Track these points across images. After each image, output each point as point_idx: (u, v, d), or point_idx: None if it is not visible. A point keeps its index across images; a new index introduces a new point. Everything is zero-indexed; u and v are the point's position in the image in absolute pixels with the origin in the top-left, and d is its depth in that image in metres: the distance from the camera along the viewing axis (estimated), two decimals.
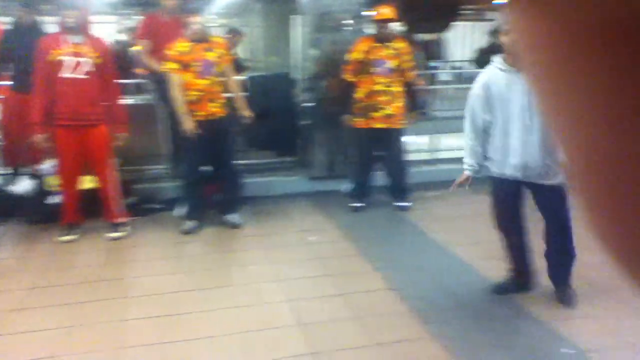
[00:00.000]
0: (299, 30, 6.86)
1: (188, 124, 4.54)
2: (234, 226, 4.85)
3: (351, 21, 5.62)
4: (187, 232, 4.72)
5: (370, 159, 5.25)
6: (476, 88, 3.33)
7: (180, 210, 4.97)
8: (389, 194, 5.38)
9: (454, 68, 10.81)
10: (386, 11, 5.05)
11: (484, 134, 3.33)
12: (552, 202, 3.27)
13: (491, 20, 10.33)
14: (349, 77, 5.13)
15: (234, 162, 5.02)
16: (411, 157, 6.44)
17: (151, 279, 3.90)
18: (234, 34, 7.06)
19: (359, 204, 5.26)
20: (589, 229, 0.25)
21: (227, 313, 3.38)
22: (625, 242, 0.23)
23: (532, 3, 0.22)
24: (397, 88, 5.08)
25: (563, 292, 3.42)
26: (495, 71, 3.25)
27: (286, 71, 6.70)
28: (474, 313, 3.35)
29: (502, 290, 3.55)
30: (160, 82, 5.33)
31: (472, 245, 4.42)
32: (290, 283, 3.76)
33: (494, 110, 3.26)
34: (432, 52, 8.57)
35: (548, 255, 3.41)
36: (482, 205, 5.41)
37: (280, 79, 6.11)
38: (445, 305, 3.44)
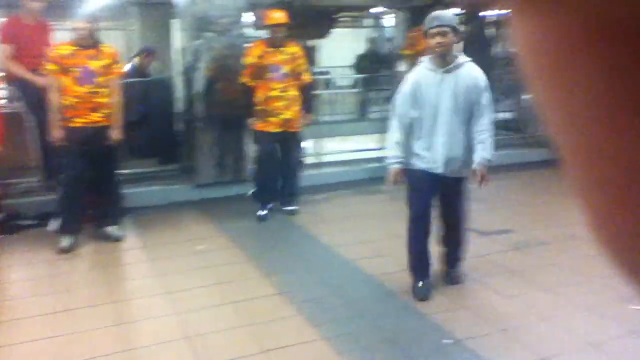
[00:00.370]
0: (178, 34, 6.71)
1: (56, 132, 4.31)
2: (115, 239, 4.62)
3: (233, 25, 5.56)
4: (64, 248, 4.41)
5: (272, 162, 5.22)
6: (405, 86, 3.46)
7: (55, 225, 4.65)
8: (279, 198, 5.39)
9: (325, 74, 11.08)
10: (278, 15, 5.03)
11: (409, 129, 3.45)
12: (456, 193, 3.61)
13: (369, 27, 10.73)
14: (247, 81, 5.09)
15: (115, 172, 4.78)
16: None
17: (27, 300, 3.61)
18: (147, 53, 6.72)
19: (264, 212, 5.17)
20: (589, 229, 0.25)
21: (110, 331, 3.21)
22: (624, 242, 0.23)
23: (531, 4, 0.21)
24: (293, 92, 5.09)
25: (455, 273, 3.77)
26: (424, 71, 3.39)
27: (166, 76, 6.52)
28: (362, 312, 3.44)
29: (423, 293, 3.56)
30: (26, 89, 4.97)
31: (358, 244, 4.54)
32: (178, 295, 3.65)
33: (421, 108, 3.38)
34: (308, 57, 8.72)
35: (445, 241, 3.73)
36: (366, 205, 5.63)
37: (159, 85, 5.92)
38: (334, 305, 3.50)
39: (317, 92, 7.72)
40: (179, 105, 6.31)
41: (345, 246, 4.49)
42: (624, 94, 0.20)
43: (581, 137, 0.22)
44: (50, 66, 4.37)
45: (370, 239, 4.66)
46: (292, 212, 5.30)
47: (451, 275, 3.78)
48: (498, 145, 7.49)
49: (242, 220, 5.17)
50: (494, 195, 6.04)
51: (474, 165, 3.35)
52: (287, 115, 5.02)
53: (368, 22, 11.01)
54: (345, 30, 10.29)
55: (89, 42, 4.40)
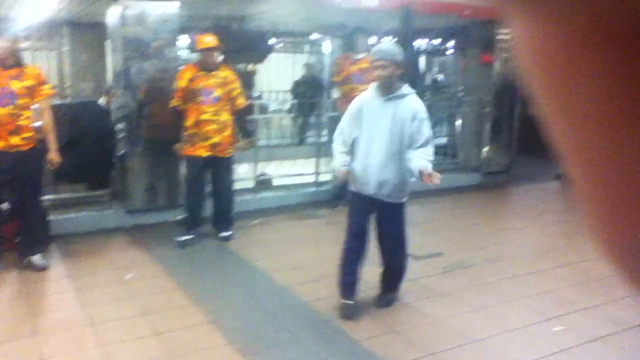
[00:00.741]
0: (110, 56, 6.57)
1: None
2: (39, 268, 4.41)
3: (167, 48, 5.50)
4: None
5: (200, 187, 5.15)
6: (351, 107, 3.68)
7: None
8: (213, 223, 5.31)
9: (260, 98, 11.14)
10: (209, 39, 4.99)
11: (351, 147, 3.64)
12: (391, 218, 3.69)
13: (307, 53, 10.86)
14: (178, 104, 5.02)
15: (38, 198, 4.59)
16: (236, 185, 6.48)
17: None
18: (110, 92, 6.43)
19: (187, 237, 5.07)
20: (591, 233, 0.25)
21: None
22: (625, 244, 0.23)
23: (532, 8, 0.21)
24: (225, 117, 5.04)
25: (386, 297, 3.86)
26: (369, 96, 3.60)
27: (97, 99, 6.35)
28: (295, 339, 3.41)
29: (347, 312, 3.67)
30: None
31: (293, 270, 4.52)
32: (103, 327, 3.51)
33: (360, 127, 3.58)
34: (245, 82, 8.75)
35: (382, 264, 3.81)
36: (302, 230, 5.63)
37: (89, 107, 5.76)
38: (266, 333, 3.46)
39: (254, 116, 7.72)
40: (111, 128, 6.15)
41: (280, 272, 4.47)
42: (626, 97, 0.20)
43: (581, 138, 0.23)
44: None
45: (305, 264, 4.65)
46: (226, 239, 5.22)
47: (382, 299, 3.86)
48: (434, 170, 7.70)
49: (174, 247, 5.06)
50: (425, 219, 6.19)
51: (418, 168, 3.39)
52: (217, 139, 4.96)
53: (306, 47, 11.13)
54: (284, 55, 10.38)
55: (10, 62, 4.24)
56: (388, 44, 3.85)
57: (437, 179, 3.36)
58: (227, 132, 5.06)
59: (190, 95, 4.95)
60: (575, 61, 0.21)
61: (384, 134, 3.50)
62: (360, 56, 6.24)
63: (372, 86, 3.61)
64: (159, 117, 5.46)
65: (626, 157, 0.21)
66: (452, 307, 3.83)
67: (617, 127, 0.21)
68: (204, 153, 4.97)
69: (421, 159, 3.41)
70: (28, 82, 4.28)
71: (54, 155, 4.40)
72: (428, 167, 3.40)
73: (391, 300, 3.86)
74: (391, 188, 3.56)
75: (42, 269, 4.42)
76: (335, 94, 6.48)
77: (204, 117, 4.94)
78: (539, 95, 0.24)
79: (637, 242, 0.22)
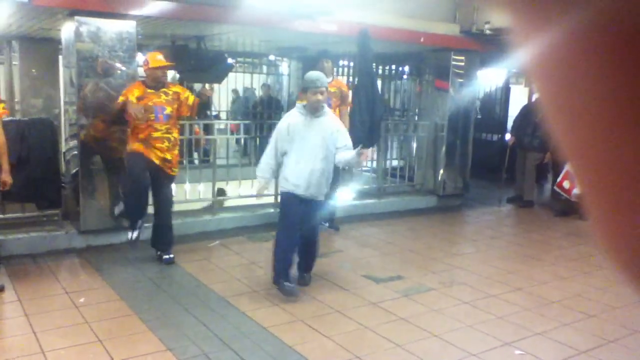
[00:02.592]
0: (62, 72, 6.41)
1: None
2: None
3: (119, 65, 5.39)
4: None
5: (144, 183, 4.91)
6: (281, 123, 4.45)
7: None
8: (152, 243, 5.17)
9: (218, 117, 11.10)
10: (159, 58, 4.96)
11: (280, 157, 4.37)
12: (315, 212, 4.48)
13: (265, 73, 10.89)
14: (121, 104, 4.87)
15: None
16: (189, 206, 6.37)
17: None
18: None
19: (134, 234, 5.02)
20: (596, 236, 0.25)
21: None
22: (628, 247, 0.23)
23: (534, 11, 0.21)
24: (176, 134, 5.03)
25: (305, 277, 4.67)
26: (296, 114, 4.38)
27: (46, 116, 6.16)
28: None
29: (291, 291, 4.34)
30: None
31: (252, 294, 4.46)
32: (56, 354, 3.36)
33: (291, 142, 4.31)
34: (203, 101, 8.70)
35: (302, 251, 4.58)
36: (261, 252, 5.57)
37: (39, 125, 5.57)
38: (224, 357, 3.39)
39: (211, 136, 7.64)
40: (62, 147, 5.98)
41: (237, 296, 4.39)
42: (629, 97, 0.20)
43: (585, 138, 0.23)
44: None
45: (264, 288, 4.59)
46: (169, 261, 5.06)
47: (303, 278, 4.64)
48: (387, 193, 7.84)
49: (128, 269, 4.91)
50: (384, 241, 6.24)
51: (354, 153, 4.24)
52: (168, 156, 4.92)
53: (264, 68, 11.16)
54: (243, 75, 10.35)
55: None
56: (320, 73, 4.55)
57: (371, 153, 4.63)
58: (176, 151, 5.07)
59: (141, 112, 4.80)
60: (577, 62, 0.21)
61: (313, 145, 4.28)
62: (328, 80, 6.24)
63: (300, 107, 4.42)
64: (104, 135, 5.35)
65: (628, 157, 0.21)
66: (412, 333, 3.85)
67: (620, 126, 0.21)
68: (154, 159, 4.87)
69: (348, 152, 4.32)
70: None
71: (6, 177, 4.23)
72: (354, 157, 4.26)
73: (310, 279, 4.68)
74: (316, 189, 4.34)
75: None
76: None
77: (155, 134, 4.86)
78: (542, 97, 0.24)
79: (638, 240, 0.23)
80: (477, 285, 4.85)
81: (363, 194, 7.61)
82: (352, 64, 8.87)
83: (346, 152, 4.31)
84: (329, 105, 6.22)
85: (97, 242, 5.45)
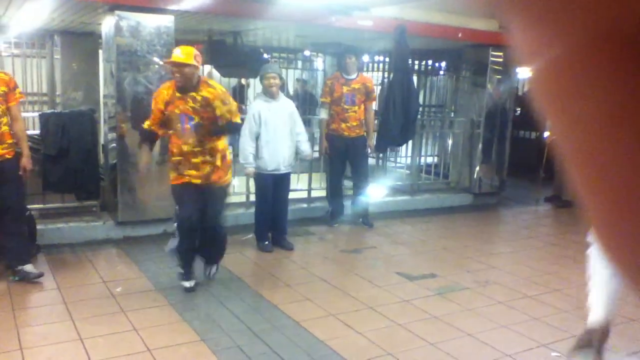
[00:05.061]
0: (102, 66, 6.53)
1: None
2: (32, 277, 4.34)
3: (157, 60, 5.46)
4: None
5: (191, 230, 4.27)
6: (250, 111, 5.34)
7: None
8: (200, 253, 4.54)
9: None
10: (177, 53, 4.04)
11: (256, 141, 5.23)
12: (288, 184, 5.60)
13: (300, 69, 10.87)
14: (149, 127, 4.28)
15: (23, 208, 4.50)
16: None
17: None
18: None
19: (190, 283, 4.31)
20: (594, 235, 0.25)
21: None
22: (627, 250, 0.23)
23: (536, 17, 0.22)
24: (213, 145, 4.18)
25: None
26: (260, 102, 5.31)
27: (87, 109, 6.28)
28: (286, 356, 3.36)
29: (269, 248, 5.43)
30: None
31: (284, 288, 4.47)
32: (93, 342, 3.44)
33: (262, 126, 5.21)
34: (239, 96, 8.76)
35: (278, 220, 5.59)
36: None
37: (79, 117, 5.69)
38: (257, 353, 3.40)
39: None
40: (102, 139, 6.10)
41: (271, 289, 4.42)
42: (631, 103, 0.20)
43: (586, 144, 0.23)
44: None
45: (297, 282, 4.60)
46: (209, 277, 4.58)
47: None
48: (421, 190, 7.77)
49: (164, 261, 4.98)
50: (417, 239, 6.18)
51: (305, 152, 5.61)
52: (207, 169, 4.18)
53: (299, 63, 11.16)
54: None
55: None
56: (272, 64, 5.70)
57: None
58: (219, 160, 4.23)
59: (169, 121, 4.18)
60: (580, 69, 0.21)
61: (282, 125, 5.26)
62: (352, 77, 6.22)
63: (261, 94, 5.34)
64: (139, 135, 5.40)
65: (630, 161, 0.21)
66: (446, 331, 3.81)
67: (621, 132, 0.21)
68: (194, 180, 4.19)
69: (306, 143, 5.60)
70: (1, 89, 4.21)
71: (26, 162, 4.33)
72: (309, 149, 5.76)
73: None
74: (288, 161, 5.37)
75: (36, 277, 4.35)
76: (323, 114, 6.38)
77: (186, 149, 4.12)
78: (544, 103, 0.24)
79: (638, 245, 0.23)
80: (513, 285, 4.77)
81: (396, 191, 7.56)
82: (387, 60, 8.80)
83: (304, 145, 5.52)
84: (353, 102, 6.20)
85: (134, 233, 5.54)
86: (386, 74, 8.75)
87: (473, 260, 5.43)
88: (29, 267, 4.39)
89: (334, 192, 6.47)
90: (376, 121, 6.83)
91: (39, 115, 5.57)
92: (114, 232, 5.51)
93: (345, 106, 6.14)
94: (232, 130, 4.44)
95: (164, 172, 5.63)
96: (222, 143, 4.33)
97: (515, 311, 4.21)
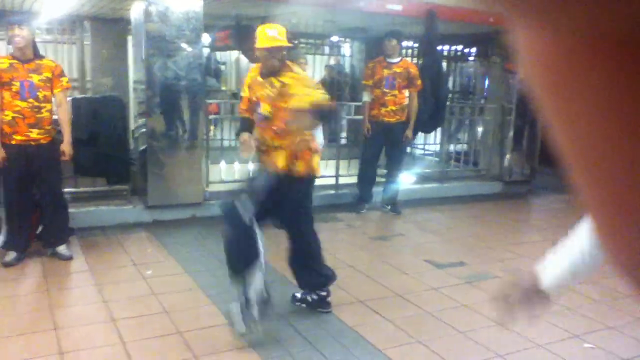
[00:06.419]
0: (131, 52, 6.57)
1: None
2: (64, 258, 4.46)
3: (189, 45, 5.47)
4: (7, 263, 4.26)
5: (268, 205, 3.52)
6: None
7: (0, 241, 4.44)
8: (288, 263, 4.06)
9: None
10: (271, 34, 3.48)
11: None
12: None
13: (328, 55, 10.81)
14: (243, 114, 3.83)
15: (61, 189, 4.61)
16: None
17: None
18: None
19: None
20: (598, 240, 0.25)
21: None
22: (628, 251, 0.23)
23: (534, 17, 0.22)
24: (288, 141, 3.48)
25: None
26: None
27: (117, 94, 6.34)
28: (315, 344, 3.36)
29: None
30: None
31: None
32: (124, 323, 3.49)
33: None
34: None
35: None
36: (320, 234, 5.56)
37: (110, 102, 5.74)
38: (286, 336, 3.41)
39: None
40: (132, 124, 6.16)
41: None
42: (630, 103, 0.20)
43: (584, 144, 0.23)
44: None
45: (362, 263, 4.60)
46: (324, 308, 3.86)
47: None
48: (450, 177, 7.68)
49: (193, 244, 5.03)
50: (446, 227, 6.12)
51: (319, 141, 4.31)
52: (284, 161, 3.49)
53: (327, 49, 11.10)
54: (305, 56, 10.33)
55: (29, 55, 4.24)
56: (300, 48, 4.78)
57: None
58: (304, 155, 3.55)
59: (251, 107, 3.69)
60: (578, 69, 0.21)
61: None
62: (394, 60, 6.15)
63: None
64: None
65: (628, 162, 0.21)
66: (475, 320, 3.76)
67: (620, 132, 0.21)
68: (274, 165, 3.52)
69: (320, 133, 4.43)
70: (46, 75, 4.28)
71: (67, 147, 4.40)
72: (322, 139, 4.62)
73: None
74: None
75: (68, 259, 4.47)
76: (366, 97, 6.35)
77: (267, 140, 3.56)
78: (542, 102, 0.24)
79: (638, 244, 0.23)
80: None
81: (425, 178, 7.49)
82: (416, 45, 8.68)
83: (319, 133, 4.46)
84: (393, 86, 6.11)
85: (163, 217, 5.60)
86: (415, 60, 8.64)
87: (502, 249, 5.35)
88: (62, 249, 4.50)
89: (364, 179, 6.42)
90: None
91: (71, 100, 5.63)
92: (143, 215, 5.57)
93: (385, 89, 6.08)
94: (324, 116, 3.46)
95: (193, 157, 5.68)
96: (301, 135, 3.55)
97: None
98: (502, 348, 3.40)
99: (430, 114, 6.64)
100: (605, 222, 0.24)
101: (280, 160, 3.48)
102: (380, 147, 6.31)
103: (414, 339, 3.45)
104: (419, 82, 6.19)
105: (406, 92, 6.18)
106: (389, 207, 6.40)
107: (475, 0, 0.23)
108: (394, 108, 6.10)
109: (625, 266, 0.25)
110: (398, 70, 6.08)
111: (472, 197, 7.31)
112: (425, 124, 6.77)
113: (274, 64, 3.48)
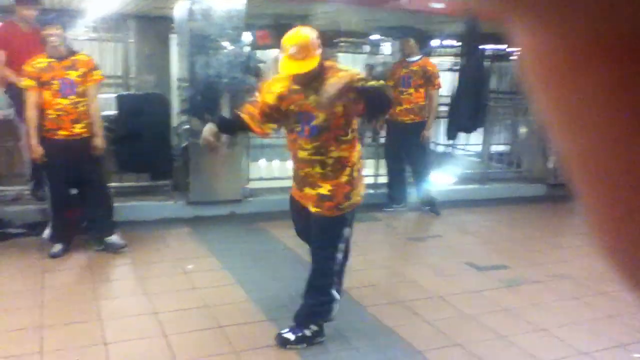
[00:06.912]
0: (175, 50, 6.67)
1: (35, 150, 4.28)
2: (117, 247, 4.59)
3: (229, 44, 5.52)
4: (54, 256, 4.39)
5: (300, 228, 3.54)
6: None
7: (48, 233, 4.58)
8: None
9: None
10: (296, 52, 2.86)
11: None
12: None
13: (368, 54, 10.77)
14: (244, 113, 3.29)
15: (104, 183, 4.73)
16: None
17: (5, 313, 3.50)
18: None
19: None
20: (594, 240, 0.25)
21: (94, 351, 3.10)
22: (627, 252, 0.23)
23: (535, 18, 0.22)
24: (335, 154, 3.05)
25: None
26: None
27: (160, 91, 6.46)
28: (350, 345, 3.35)
29: None
30: (17, 95, 4.91)
31: (347, 272, 4.45)
32: (165, 316, 3.55)
33: None
34: None
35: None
36: (357, 233, 5.54)
37: (153, 99, 5.85)
38: (325, 332, 3.41)
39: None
40: (174, 121, 6.25)
41: None
42: (630, 106, 0.20)
43: (584, 146, 0.23)
44: (26, 82, 4.30)
45: (364, 267, 4.59)
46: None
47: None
48: (492, 179, 7.55)
49: (232, 241, 5.08)
50: (486, 229, 6.03)
51: None
52: (322, 190, 3.10)
53: (366, 48, 11.05)
54: (345, 55, 10.32)
55: (63, 53, 4.35)
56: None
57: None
58: (343, 178, 3.09)
59: (285, 120, 3.18)
60: (578, 71, 0.21)
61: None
62: (413, 59, 6.08)
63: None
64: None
65: (629, 164, 0.21)
66: (516, 325, 3.70)
67: (620, 135, 0.21)
68: (304, 201, 3.23)
69: None
70: (82, 70, 4.39)
71: (99, 141, 4.50)
72: None
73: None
74: None
75: (122, 247, 4.60)
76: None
77: (301, 155, 3.12)
78: (542, 105, 0.24)
79: (637, 246, 0.23)
80: (586, 281, 4.57)
81: (465, 179, 7.39)
82: (459, 44, 8.56)
83: None
84: (408, 84, 6.05)
85: (204, 213, 5.67)
86: (457, 59, 8.53)
87: (545, 253, 5.24)
88: (114, 238, 4.63)
89: (390, 178, 6.42)
90: (446, 108, 6.67)
91: (116, 96, 5.76)
92: (184, 211, 5.66)
93: (401, 88, 6.04)
94: (374, 99, 2.81)
95: (234, 155, 5.74)
96: (355, 154, 3.13)
97: (590, 307, 4.04)
98: (545, 354, 3.33)
99: (472, 114, 6.55)
100: (605, 221, 0.24)
101: (316, 184, 3.11)
102: (398, 145, 6.25)
103: (453, 342, 3.41)
104: (437, 80, 6.06)
105: (424, 92, 6.05)
106: (428, 208, 6.34)
107: (475, 0, 0.23)
108: (408, 107, 6.03)
109: (624, 265, 0.24)
110: (414, 68, 6.01)
111: (514, 200, 7.18)
112: (466, 124, 6.69)
113: (306, 79, 2.96)
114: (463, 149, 9.07)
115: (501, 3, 0.22)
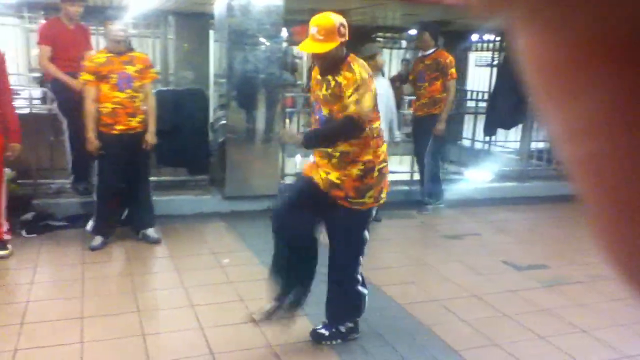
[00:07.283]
0: (213, 46, 6.73)
1: (92, 143, 4.40)
2: (153, 240, 4.70)
3: (270, 39, 5.54)
4: (94, 248, 4.49)
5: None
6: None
7: (90, 225, 4.70)
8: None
9: None
10: (317, 33, 2.90)
11: None
12: None
13: (404, 48, 10.68)
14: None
15: (149, 176, 4.86)
16: None
17: (47, 303, 3.59)
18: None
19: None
20: (594, 239, 0.25)
21: (132, 342, 3.16)
22: (628, 253, 0.23)
23: (534, 19, 0.21)
24: (344, 148, 2.98)
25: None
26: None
27: (199, 87, 6.53)
28: (385, 341, 3.33)
29: None
30: (60, 91, 5.04)
31: (382, 270, 4.43)
32: (203, 309, 3.59)
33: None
34: None
35: None
36: (394, 230, 5.51)
37: (191, 95, 5.92)
38: (360, 329, 3.40)
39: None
40: (212, 116, 6.32)
41: (374, 270, 4.38)
42: (630, 104, 0.20)
43: (584, 144, 0.23)
44: (85, 76, 4.44)
45: (400, 265, 4.56)
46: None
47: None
48: (531, 177, 7.39)
49: (268, 236, 5.08)
50: (525, 228, 5.91)
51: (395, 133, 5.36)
52: (333, 177, 3.04)
53: (403, 43, 10.96)
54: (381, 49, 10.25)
55: (122, 49, 4.44)
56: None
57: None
58: (354, 170, 2.99)
59: (312, 110, 3.27)
60: (578, 70, 0.21)
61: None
62: (427, 53, 5.98)
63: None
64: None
65: (629, 165, 0.21)
66: (556, 326, 3.61)
67: (620, 134, 0.21)
68: (318, 179, 3.13)
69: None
70: (139, 66, 4.50)
71: (151, 137, 4.59)
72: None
73: None
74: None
75: (156, 241, 4.70)
76: (405, 91, 6.36)
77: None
78: (541, 103, 0.24)
79: (637, 244, 0.22)
80: None
81: (503, 177, 7.26)
82: (498, 39, 8.42)
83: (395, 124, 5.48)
84: (423, 79, 5.96)
85: (240, 208, 5.72)
86: (496, 54, 8.39)
87: (585, 253, 5.10)
88: (151, 231, 4.73)
89: (422, 175, 6.27)
90: (486, 104, 6.55)
91: (156, 92, 5.84)
92: (221, 205, 5.71)
93: (419, 83, 6.00)
94: (341, 128, 2.94)
95: (269, 150, 5.77)
96: (370, 152, 3.01)
97: (633, 309, 3.91)
98: (586, 356, 3.25)
99: (511, 110, 6.43)
100: (607, 222, 0.24)
101: (328, 172, 3.05)
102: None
103: (491, 342, 3.35)
104: (452, 70, 5.82)
105: (440, 84, 5.89)
106: (426, 205, 6.18)
107: (475, 1, 0.22)
108: (424, 101, 5.96)
109: (623, 261, 0.24)
110: (428, 62, 5.92)
111: (554, 198, 7.00)
112: (506, 120, 6.57)
113: (323, 65, 2.98)
114: (501, 146, 8.91)
115: (501, 3, 0.22)
